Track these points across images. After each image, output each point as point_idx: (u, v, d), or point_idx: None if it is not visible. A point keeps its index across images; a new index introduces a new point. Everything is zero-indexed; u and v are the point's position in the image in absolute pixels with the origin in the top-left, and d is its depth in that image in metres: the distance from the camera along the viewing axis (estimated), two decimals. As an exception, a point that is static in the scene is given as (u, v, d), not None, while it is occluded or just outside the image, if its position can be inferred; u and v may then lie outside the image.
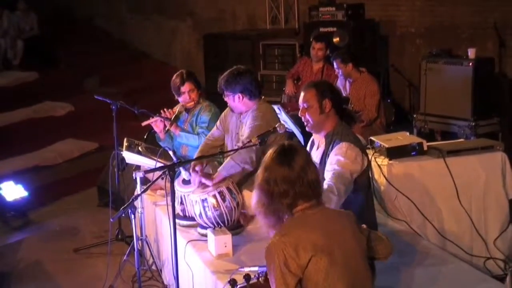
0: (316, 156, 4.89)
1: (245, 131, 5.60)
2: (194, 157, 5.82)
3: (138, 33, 16.01)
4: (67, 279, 6.66)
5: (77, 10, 17.10)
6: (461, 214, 5.74)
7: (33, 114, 11.48)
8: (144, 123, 6.58)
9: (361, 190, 4.73)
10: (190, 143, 6.52)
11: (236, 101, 5.72)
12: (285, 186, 3.43)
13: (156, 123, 6.52)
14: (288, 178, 3.43)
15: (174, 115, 6.62)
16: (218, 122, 6.08)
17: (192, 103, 6.67)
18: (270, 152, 3.58)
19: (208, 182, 5.22)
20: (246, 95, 5.69)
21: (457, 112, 8.83)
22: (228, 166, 5.34)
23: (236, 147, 5.41)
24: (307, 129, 4.96)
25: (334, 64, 8.13)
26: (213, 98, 7.17)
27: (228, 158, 5.38)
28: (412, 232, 5.53)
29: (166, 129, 6.51)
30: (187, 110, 6.74)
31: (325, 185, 4.43)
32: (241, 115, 5.81)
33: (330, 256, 3.31)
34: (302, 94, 4.89)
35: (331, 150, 4.71)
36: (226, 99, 5.78)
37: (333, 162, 4.64)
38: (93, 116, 11.14)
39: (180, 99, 6.72)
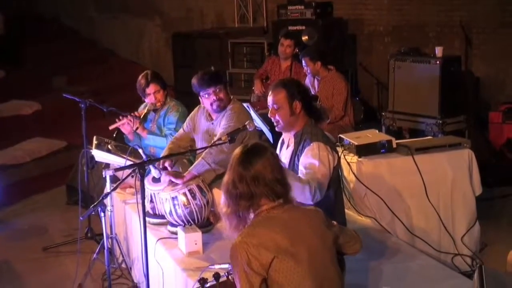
0: (285, 155, 4.89)
1: (219, 132, 5.60)
2: (162, 155, 5.82)
3: (106, 32, 15.95)
4: (36, 278, 6.61)
5: (44, 9, 16.98)
6: (429, 211, 5.78)
7: (-1, 113, 11.42)
8: (111, 127, 6.52)
9: (331, 187, 4.72)
10: (158, 145, 6.49)
11: (227, 94, 5.76)
12: (244, 187, 3.43)
13: (124, 126, 6.49)
14: (245, 179, 3.43)
15: (142, 115, 6.60)
16: (184, 125, 6.07)
17: (159, 103, 6.66)
18: (235, 152, 3.58)
19: (178, 181, 5.23)
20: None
21: (424, 110, 8.86)
22: (199, 166, 5.36)
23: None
24: (277, 129, 4.94)
25: (303, 62, 8.12)
26: (182, 97, 7.14)
27: (200, 157, 5.40)
28: (381, 229, 5.57)
29: (135, 128, 6.48)
30: (155, 110, 6.71)
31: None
32: (211, 117, 5.81)
33: (294, 257, 3.33)
34: (271, 94, 4.83)
35: (302, 149, 4.71)
36: (214, 97, 5.68)
37: (306, 165, 4.61)
38: (61, 115, 11.09)
39: (146, 100, 6.71)
